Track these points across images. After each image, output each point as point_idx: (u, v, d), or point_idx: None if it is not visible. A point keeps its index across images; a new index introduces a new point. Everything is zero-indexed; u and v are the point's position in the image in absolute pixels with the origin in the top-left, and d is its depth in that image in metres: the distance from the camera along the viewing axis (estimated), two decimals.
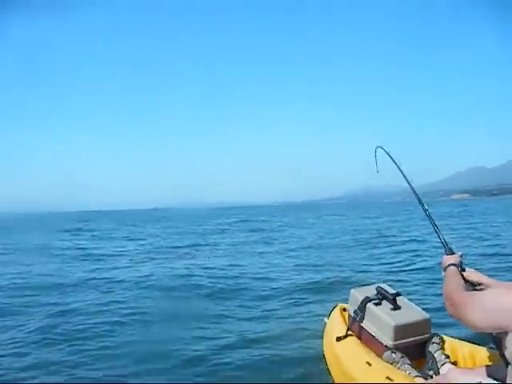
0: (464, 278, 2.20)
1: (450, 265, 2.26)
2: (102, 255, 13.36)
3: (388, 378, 2.52)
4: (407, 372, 2.66)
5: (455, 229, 18.67)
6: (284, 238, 18.24)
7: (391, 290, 3.11)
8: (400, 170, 3.11)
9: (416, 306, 3.05)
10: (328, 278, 8.02)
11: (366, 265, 9.95)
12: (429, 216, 2.78)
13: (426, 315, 2.94)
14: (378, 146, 3.29)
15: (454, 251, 2.44)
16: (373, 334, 2.94)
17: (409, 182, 3.04)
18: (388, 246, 13.58)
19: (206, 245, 15.89)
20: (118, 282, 8.46)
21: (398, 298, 3.02)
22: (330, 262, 10.29)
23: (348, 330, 3.08)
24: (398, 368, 2.70)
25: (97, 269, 10.37)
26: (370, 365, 2.69)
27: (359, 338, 3.04)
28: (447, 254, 2.41)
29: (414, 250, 12.04)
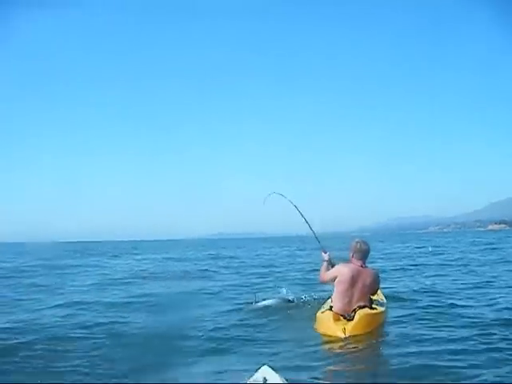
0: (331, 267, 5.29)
1: (323, 261, 5.33)
2: None
3: None
4: None
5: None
6: None
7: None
8: (299, 211, 5.82)
9: None
10: None
11: None
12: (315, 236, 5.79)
13: None
14: (274, 192, 6.05)
15: (326, 251, 5.38)
16: None
17: (309, 224, 5.79)
18: None
19: None
20: None
21: None
22: None
23: None
24: None
25: None
26: None
27: None
28: (324, 253, 5.38)
29: None
